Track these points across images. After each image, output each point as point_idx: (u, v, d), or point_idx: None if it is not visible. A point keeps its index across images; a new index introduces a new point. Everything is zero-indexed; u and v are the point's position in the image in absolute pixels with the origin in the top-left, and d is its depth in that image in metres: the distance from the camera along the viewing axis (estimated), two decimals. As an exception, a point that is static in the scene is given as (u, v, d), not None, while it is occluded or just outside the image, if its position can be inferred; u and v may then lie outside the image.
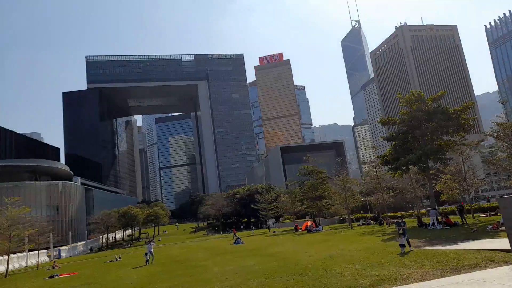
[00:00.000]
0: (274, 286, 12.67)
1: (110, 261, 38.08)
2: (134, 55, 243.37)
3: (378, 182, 39.21)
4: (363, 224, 47.70)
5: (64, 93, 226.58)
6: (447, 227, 28.33)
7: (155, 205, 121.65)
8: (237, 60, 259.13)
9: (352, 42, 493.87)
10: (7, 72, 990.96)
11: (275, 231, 59.64)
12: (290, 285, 12.54)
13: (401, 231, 17.93)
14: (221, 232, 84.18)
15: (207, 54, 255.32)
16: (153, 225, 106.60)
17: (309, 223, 49.35)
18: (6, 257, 49.39)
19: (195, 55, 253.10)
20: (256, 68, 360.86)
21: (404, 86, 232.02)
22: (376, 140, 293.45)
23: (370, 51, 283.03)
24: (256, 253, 25.03)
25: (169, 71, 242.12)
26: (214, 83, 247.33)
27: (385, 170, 64.52)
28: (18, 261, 57.15)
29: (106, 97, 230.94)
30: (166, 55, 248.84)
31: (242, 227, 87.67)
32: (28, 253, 56.91)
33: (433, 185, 36.77)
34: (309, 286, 12.03)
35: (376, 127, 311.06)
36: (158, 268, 23.64)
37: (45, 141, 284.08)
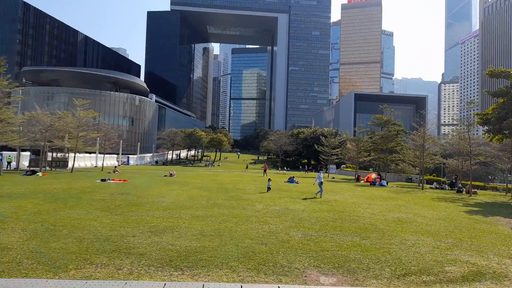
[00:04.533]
0: (322, 245, 9.69)
1: (164, 176, 38.46)
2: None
3: (469, 144, 32.96)
4: (436, 188, 42.37)
5: (148, 12, 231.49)
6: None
7: (220, 132, 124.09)
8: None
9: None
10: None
11: (334, 177, 56.59)
12: (343, 248, 9.46)
13: None
14: (279, 169, 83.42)
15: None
16: (216, 150, 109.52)
17: (373, 175, 45.16)
18: (79, 155, 53.32)
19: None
20: (342, 6, 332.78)
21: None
22: (463, 102, 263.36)
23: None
24: (309, 197, 22.23)
25: (252, 0, 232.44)
26: (296, 17, 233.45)
27: (478, 132, 55.99)
28: (90, 161, 62.05)
29: (187, 21, 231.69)
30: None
31: (300, 167, 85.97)
32: (98, 155, 61.23)
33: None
34: (370, 256, 8.81)
35: (467, 87, 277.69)
36: (202, 193, 22.12)
37: (130, 57, 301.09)
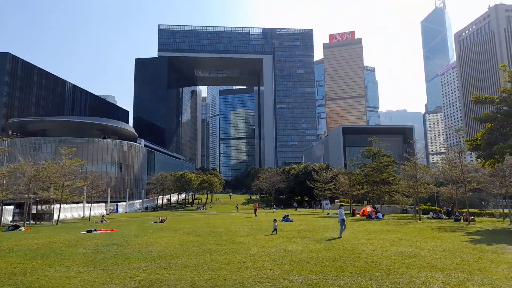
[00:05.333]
0: (325, 289, 8.87)
1: (154, 222, 37.05)
2: (204, 26, 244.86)
3: (461, 171, 32.82)
4: (433, 217, 41.66)
5: (136, 59, 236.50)
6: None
7: (210, 173, 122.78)
8: (306, 36, 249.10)
9: (433, 23, 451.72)
10: (92, 38, 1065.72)
11: (329, 213, 55.55)
12: (348, 292, 8.66)
13: None
14: (273, 207, 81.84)
15: (276, 28, 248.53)
16: (207, 192, 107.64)
17: (369, 209, 44.36)
18: (65, 205, 51.48)
19: (263, 29, 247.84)
20: (324, 45, 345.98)
21: (491, 73, 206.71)
22: (449, 130, 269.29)
23: (454, 33, 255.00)
24: (306, 236, 21.32)
25: (236, 44, 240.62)
26: (280, 58, 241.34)
27: (466, 159, 56.35)
28: (77, 211, 59.86)
29: (174, 66, 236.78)
30: (235, 27, 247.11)
31: (294, 204, 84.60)
32: (85, 205, 59.24)
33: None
34: (378, 299, 8.02)
35: (451, 116, 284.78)
36: (193, 238, 21.05)
37: (118, 104, 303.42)
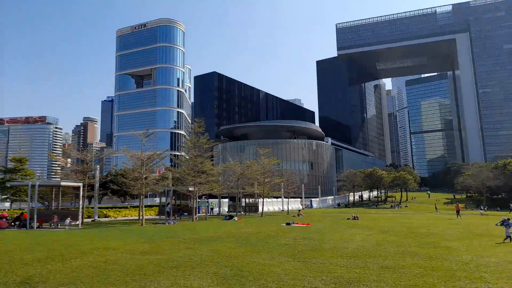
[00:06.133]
0: None
1: (347, 219, 37.10)
2: (381, 16, 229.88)
3: None
4: None
5: (317, 61, 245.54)
6: None
7: (403, 170, 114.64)
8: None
9: None
10: (277, 48, 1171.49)
11: None
12: None
13: None
14: (481, 208, 69.26)
15: (469, 1, 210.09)
16: (400, 189, 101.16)
17: None
18: (267, 199, 57.93)
19: (453, 5, 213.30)
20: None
21: None
22: None
23: None
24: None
25: (421, 28, 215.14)
26: (478, 34, 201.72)
27: None
28: (277, 205, 66.59)
29: (355, 62, 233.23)
30: (418, 10, 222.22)
31: (511, 206, 69.37)
32: (284, 200, 65.04)
33: None
34: None
35: None
36: (389, 238, 19.76)
37: (305, 106, 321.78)
